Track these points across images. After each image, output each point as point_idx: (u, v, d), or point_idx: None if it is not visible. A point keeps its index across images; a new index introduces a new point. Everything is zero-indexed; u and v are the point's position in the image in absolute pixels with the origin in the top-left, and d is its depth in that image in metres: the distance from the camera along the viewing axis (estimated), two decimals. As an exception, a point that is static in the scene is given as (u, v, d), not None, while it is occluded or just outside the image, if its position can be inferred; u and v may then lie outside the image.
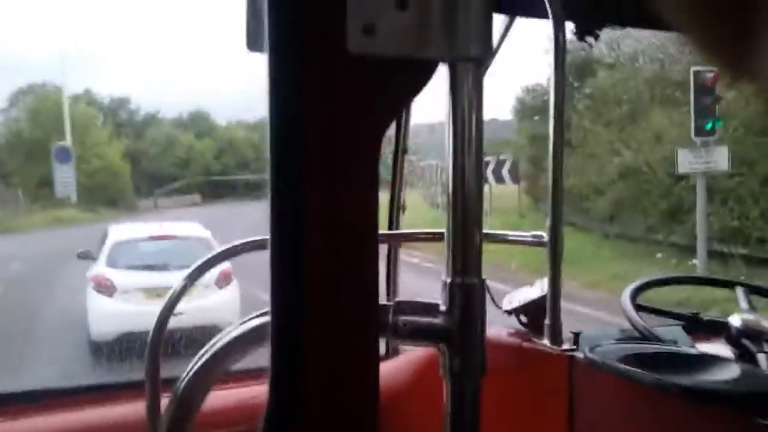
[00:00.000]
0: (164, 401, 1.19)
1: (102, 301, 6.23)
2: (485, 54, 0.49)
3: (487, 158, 14.20)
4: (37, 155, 23.88)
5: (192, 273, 1.29)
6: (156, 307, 1.45)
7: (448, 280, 0.53)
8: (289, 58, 0.47)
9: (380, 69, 0.49)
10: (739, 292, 1.40)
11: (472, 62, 0.49)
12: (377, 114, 0.50)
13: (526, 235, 1.41)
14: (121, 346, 5.46)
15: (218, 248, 1.41)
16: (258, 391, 1.42)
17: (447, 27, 0.49)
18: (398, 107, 0.51)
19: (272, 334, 0.52)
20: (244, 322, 0.62)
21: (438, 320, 0.53)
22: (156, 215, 20.50)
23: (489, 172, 13.98)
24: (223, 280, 6.08)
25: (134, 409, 1.33)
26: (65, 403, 1.37)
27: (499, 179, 14.42)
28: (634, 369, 1.04)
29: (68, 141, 22.79)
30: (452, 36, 0.49)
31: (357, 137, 0.50)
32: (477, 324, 0.53)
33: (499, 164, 14.49)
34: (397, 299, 0.55)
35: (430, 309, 0.54)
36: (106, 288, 6.37)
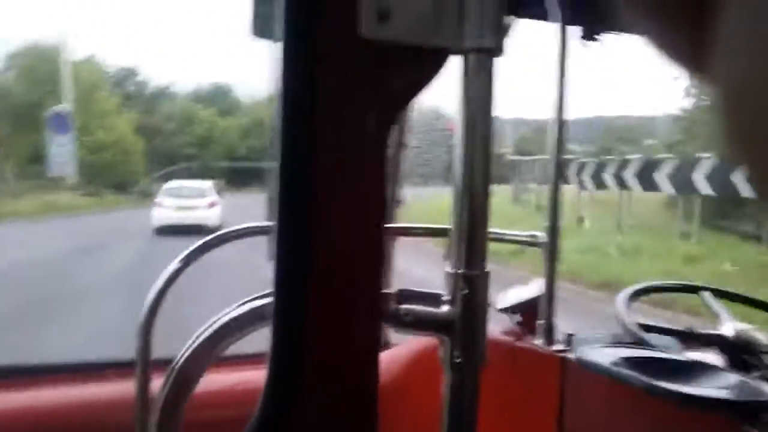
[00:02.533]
0: (153, 382, 1.19)
1: (158, 210, 14.47)
2: (498, 46, 0.49)
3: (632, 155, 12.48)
4: (29, 122, 18.89)
5: (186, 256, 1.29)
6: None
7: (452, 271, 0.52)
8: (302, 41, 0.47)
9: (392, 56, 0.48)
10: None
11: (484, 53, 0.49)
12: (388, 102, 0.50)
13: (523, 234, 1.41)
14: (162, 228, 13.21)
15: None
16: (250, 376, 1.42)
17: (461, 16, 0.48)
18: (409, 96, 0.50)
19: (274, 315, 0.51)
20: (243, 303, 0.61)
21: (441, 310, 0.53)
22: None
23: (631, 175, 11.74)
24: (211, 206, 14.78)
25: (122, 388, 1.32)
26: (51, 379, 1.36)
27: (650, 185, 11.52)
28: (626, 372, 1.04)
29: (67, 106, 18.06)
30: (466, 26, 0.48)
31: (367, 125, 0.49)
32: (480, 315, 0.52)
33: (650, 165, 11.63)
34: (399, 288, 0.54)
35: (432, 298, 0.53)
36: (160, 205, 14.65)
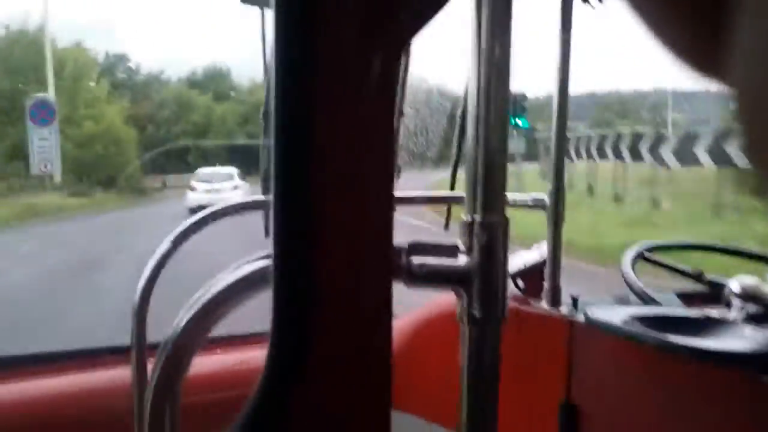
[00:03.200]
0: (150, 366, 1.15)
1: (191, 194, 16.11)
2: None
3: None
4: (7, 114, 16.65)
5: (177, 237, 1.24)
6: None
7: (468, 219, 0.48)
8: None
9: None
10: None
11: None
12: (394, 38, 0.45)
13: (527, 197, 1.38)
14: (194, 208, 11.08)
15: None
16: (245, 356, 1.39)
17: None
18: (415, 29, 0.46)
19: (275, 279, 0.47)
20: (234, 270, 0.57)
21: (456, 262, 0.49)
22: (175, 201, 16.68)
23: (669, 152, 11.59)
24: (234, 189, 16.63)
25: (119, 374, 1.29)
26: (48, 369, 1.33)
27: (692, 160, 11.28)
28: (638, 330, 1.01)
29: (50, 93, 15.91)
30: None
31: (372, 68, 0.45)
32: (500, 265, 0.48)
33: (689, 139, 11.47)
34: (411, 240, 0.50)
35: (447, 250, 0.49)
36: (192, 188, 16.53)
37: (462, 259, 0.49)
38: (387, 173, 0.47)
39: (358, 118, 0.46)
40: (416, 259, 0.49)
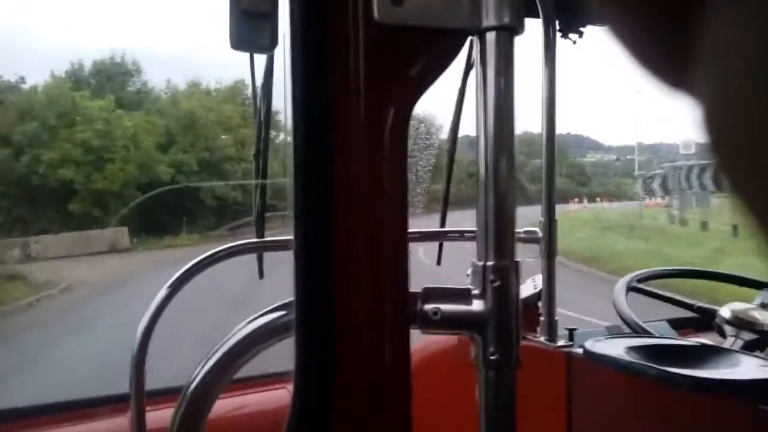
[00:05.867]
0: (148, 415, 1.14)
1: None
2: (518, 23, 0.47)
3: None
4: None
5: (174, 282, 1.24)
6: None
7: (480, 263, 0.50)
8: (315, 28, 0.45)
9: (409, 40, 0.46)
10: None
11: (503, 32, 0.47)
12: (406, 90, 0.48)
13: (519, 231, 1.40)
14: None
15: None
16: (262, 398, 1.37)
17: None
18: (427, 82, 0.48)
19: (297, 327, 0.48)
20: (254, 319, 0.58)
21: (471, 307, 0.50)
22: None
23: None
24: None
25: (116, 424, 1.27)
26: (43, 421, 1.30)
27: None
28: (637, 362, 1.02)
29: None
30: (483, 3, 0.46)
31: (386, 111, 0.47)
32: (513, 309, 0.50)
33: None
34: (424, 286, 0.52)
35: (461, 294, 0.51)
36: None
37: (476, 304, 0.50)
38: (402, 224, 0.49)
39: (373, 169, 0.48)
40: (430, 305, 0.50)
